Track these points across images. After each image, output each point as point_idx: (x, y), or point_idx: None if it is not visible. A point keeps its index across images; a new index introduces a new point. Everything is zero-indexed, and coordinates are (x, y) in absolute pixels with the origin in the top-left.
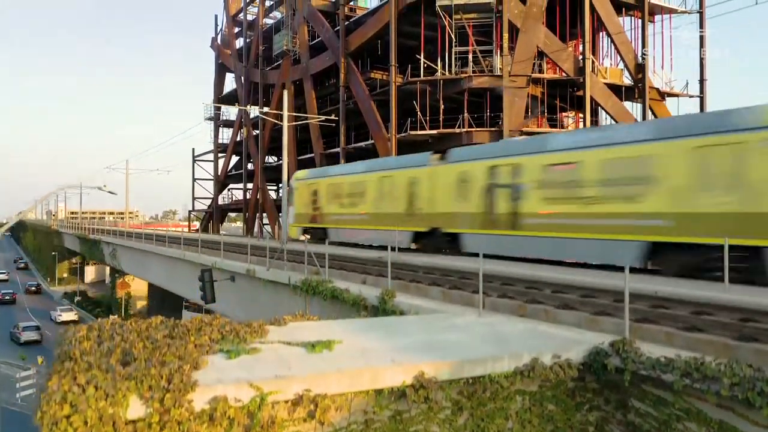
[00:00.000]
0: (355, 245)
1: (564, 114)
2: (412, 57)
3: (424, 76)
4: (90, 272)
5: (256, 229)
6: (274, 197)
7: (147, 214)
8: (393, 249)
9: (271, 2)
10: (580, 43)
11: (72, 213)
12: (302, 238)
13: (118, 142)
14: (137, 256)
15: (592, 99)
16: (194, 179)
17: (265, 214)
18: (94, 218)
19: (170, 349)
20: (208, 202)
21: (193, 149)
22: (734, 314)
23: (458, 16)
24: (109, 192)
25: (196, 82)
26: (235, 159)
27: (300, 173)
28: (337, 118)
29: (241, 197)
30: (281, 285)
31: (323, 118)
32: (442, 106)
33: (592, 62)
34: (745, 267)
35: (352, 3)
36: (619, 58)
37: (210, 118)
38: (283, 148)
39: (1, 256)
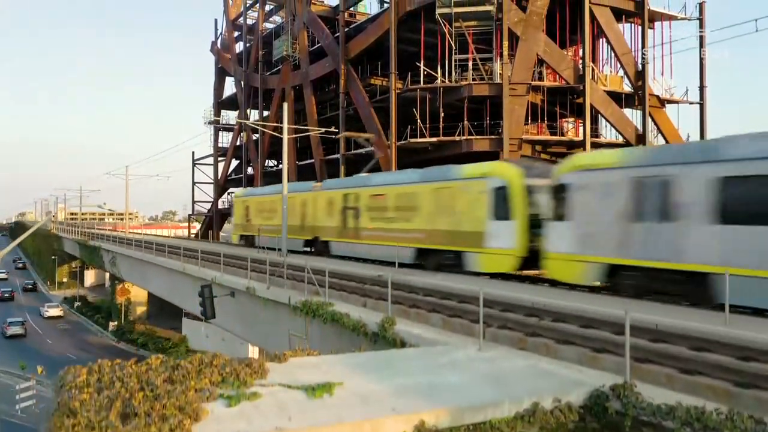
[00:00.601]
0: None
1: (564, 120)
2: (412, 62)
3: (424, 83)
4: (90, 276)
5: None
6: None
7: (146, 215)
8: (296, 252)
9: (271, 7)
10: (580, 48)
11: (72, 214)
12: (237, 242)
13: (118, 142)
14: (137, 266)
15: (592, 106)
16: (194, 183)
17: None
18: (93, 219)
19: (170, 399)
20: (208, 206)
21: (193, 153)
22: (734, 351)
23: (458, 24)
24: (109, 211)
25: (196, 83)
26: (235, 163)
27: (238, 192)
28: (337, 130)
29: None
30: (282, 304)
31: (323, 130)
32: (441, 114)
33: (592, 70)
34: (456, 264)
35: (352, 9)
36: (619, 66)
37: (210, 122)
38: (283, 158)
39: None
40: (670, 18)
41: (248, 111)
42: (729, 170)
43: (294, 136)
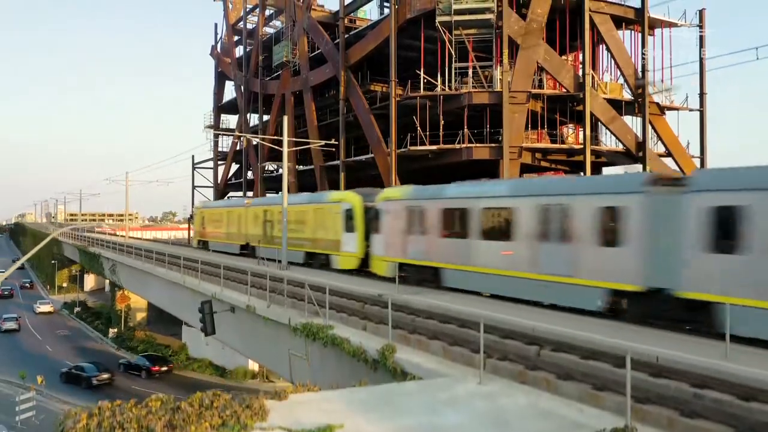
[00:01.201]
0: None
1: (564, 126)
2: (413, 70)
3: (424, 90)
4: (90, 280)
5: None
6: None
7: (146, 215)
8: (233, 253)
9: (271, 12)
10: (580, 55)
11: (71, 215)
12: (197, 246)
13: (118, 142)
14: (137, 275)
15: (591, 114)
16: (194, 186)
17: None
18: (93, 220)
19: None
20: None
21: (193, 156)
22: (734, 389)
23: (458, 32)
24: (109, 230)
25: (198, 87)
26: (235, 167)
27: (198, 204)
28: (337, 142)
29: None
30: (282, 324)
31: (323, 142)
32: (442, 122)
33: (592, 77)
34: (327, 263)
35: (352, 15)
36: (619, 73)
37: (210, 126)
38: (283, 171)
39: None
40: (670, 25)
41: (248, 115)
42: (446, 204)
43: (294, 149)
